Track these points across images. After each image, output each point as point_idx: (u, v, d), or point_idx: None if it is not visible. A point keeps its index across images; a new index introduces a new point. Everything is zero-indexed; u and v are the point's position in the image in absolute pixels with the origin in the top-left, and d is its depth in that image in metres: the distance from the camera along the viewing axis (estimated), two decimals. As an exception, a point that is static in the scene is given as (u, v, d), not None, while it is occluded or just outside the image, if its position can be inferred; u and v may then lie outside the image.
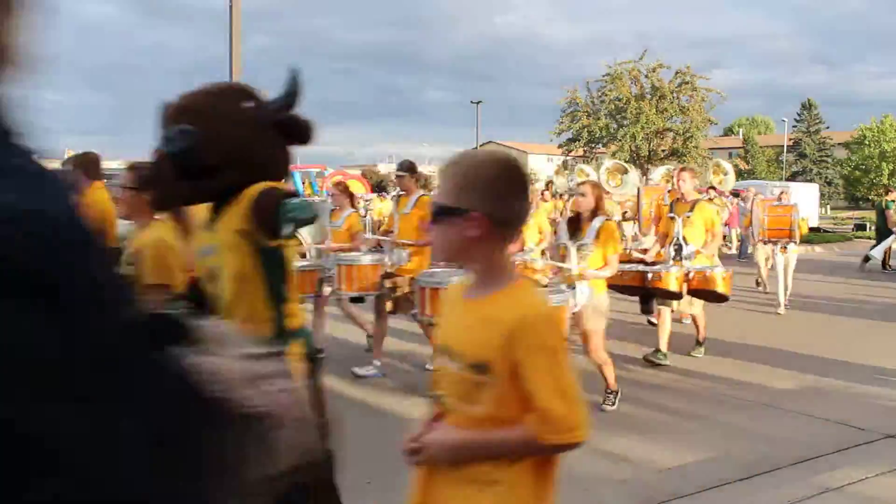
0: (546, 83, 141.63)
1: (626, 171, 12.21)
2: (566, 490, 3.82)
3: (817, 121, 61.27)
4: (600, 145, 28.95)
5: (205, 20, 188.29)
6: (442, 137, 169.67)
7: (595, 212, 5.26)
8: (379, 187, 50.76)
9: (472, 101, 47.06)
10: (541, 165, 62.76)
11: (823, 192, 40.78)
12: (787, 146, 58.43)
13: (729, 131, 66.76)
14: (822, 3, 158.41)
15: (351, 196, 7.13)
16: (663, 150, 27.09)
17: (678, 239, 6.53)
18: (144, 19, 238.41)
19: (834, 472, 3.86)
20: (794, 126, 61.44)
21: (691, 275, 6.36)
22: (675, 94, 27.02)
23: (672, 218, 6.69)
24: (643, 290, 6.44)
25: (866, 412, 5.06)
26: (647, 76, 27.22)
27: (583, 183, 6.05)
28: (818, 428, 4.79)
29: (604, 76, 27.64)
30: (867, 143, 41.69)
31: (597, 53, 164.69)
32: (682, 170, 7.15)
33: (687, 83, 26.98)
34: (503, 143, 73.94)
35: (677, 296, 6.31)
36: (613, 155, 27.14)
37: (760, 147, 64.06)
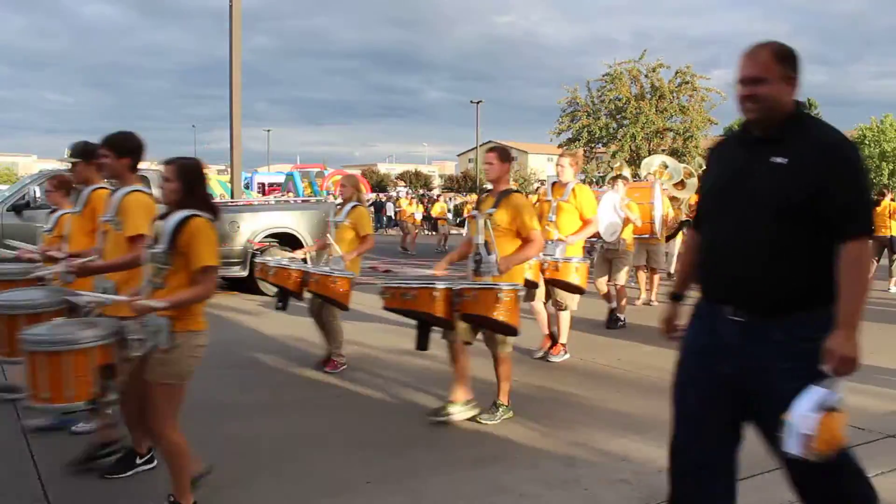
0: (546, 83, 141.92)
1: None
2: (566, 490, 3.85)
3: (817, 121, 61.16)
4: (600, 145, 28.95)
5: (205, 20, 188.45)
6: (442, 137, 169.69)
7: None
8: (379, 187, 50.83)
9: (472, 101, 47.08)
10: (541, 165, 62.78)
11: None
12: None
13: (729, 131, 66.78)
14: (821, 3, 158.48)
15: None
16: (663, 150, 27.07)
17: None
18: (144, 19, 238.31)
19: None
20: (794, 126, 61.31)
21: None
22: (674, 94, 27.03)
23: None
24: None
25: (866, 412, 5.06)
26: (646, 76, 27.23)
27: (562, 155, 6.71)
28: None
29: (604, 76, 27.65)
30: (867, 143, 41.64)
31: (597, 53, 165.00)
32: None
33: (687, 83, 26.99)
34: (503, 142, 73.93)
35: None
36: (614, 155, 27.16)
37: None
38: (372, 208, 33.29)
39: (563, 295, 6.45)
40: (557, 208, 6.47)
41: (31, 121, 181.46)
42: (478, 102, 46.86)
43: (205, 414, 5.10)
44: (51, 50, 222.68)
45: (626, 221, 8.52)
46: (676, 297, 2.90)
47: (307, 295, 6.19)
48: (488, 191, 5.18)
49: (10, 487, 3.78)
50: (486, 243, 4.78)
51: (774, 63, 2.45)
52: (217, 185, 27.11)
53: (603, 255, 8.68)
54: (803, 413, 2.24)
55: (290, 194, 23.38)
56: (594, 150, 29.42)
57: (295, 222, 11.38)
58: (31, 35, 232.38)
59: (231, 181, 16.57)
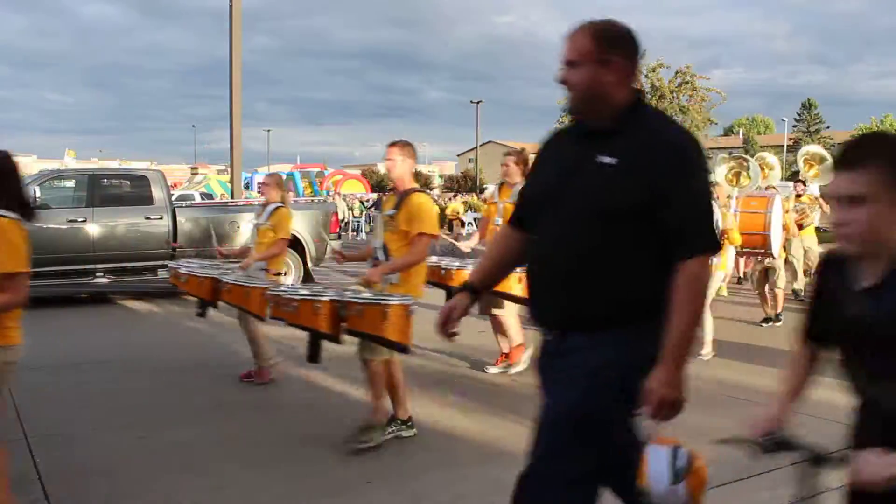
0: (546, 83, 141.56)
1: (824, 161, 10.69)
2: (566, 490, 3.83)
3: (817, 121, 61.36)
4: (600, 145, 28.99)
5: (205, 20, 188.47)
6: (442, 137, 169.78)
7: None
8: (379, 187, 50.89)
9: (472, 101, 47.18)
10: (541, 165, 62.67)
11: (824, 193, 40.65)
12: (787, 146, 58.43)
13: (729, 131, 66.79)
14: (821, 3, 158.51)
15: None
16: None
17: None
18: (144, 19, 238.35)
19: (834, 473, 3.85)
20: (794, 126, 61.50)
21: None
22: (674, 94, 27.06)
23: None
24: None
25: (866, 412, 5.07)
26: (646, 76, 27.25)
27: (509, 154, 6.17)
28: (818, 428, 4.78)
29: (604, 76, 27.66)
30: (867, 142, 41.64)
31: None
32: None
33: (687, 83, 27.04)
34: (503, 142, 73.96)
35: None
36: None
37: (760, 147, 64.03)
38: (373, 208, 33.36)
39: (501, 305, 5.96)
40: (504, 211, 5.90)
41: (31, 121, 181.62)
42: (478, 102, 46.94)
43: (204, 414, 5.10)
44: (51, 50, 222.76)
45: None
46: (468, 287, 2.45)
47: (221, 303, 5.73)
48: (391, 190, 4.91)
49: (11, 487, 3.77)
50: (385, 247, 4.42)
51: (591, 44, 2.07)
52: (217, 185, 27.17)
53: None
54: (664, 489, 1.97)
55: (291, 194, 23.41)
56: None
57: (295, 222, 11.36)
58: (31, 35, 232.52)
59: (231, 181, 16.60)
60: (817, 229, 10.64)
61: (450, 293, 5.27)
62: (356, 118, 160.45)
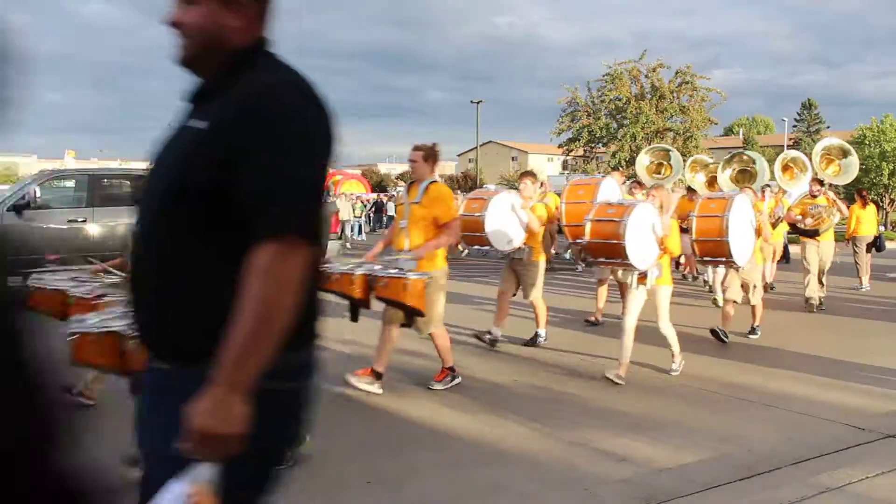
0: (546, 83, 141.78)
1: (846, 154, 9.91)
2: (566, 490, 3.84)
3: (817, 121, 61.27)
4: (600, 145, 28.96)
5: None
6: (442, 137, 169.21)
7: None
8: (379, 187, 50.90)
9: (472, 101, 47.06)
10: (541, 165, 62.75)
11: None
12: (788, 146, 58.42)
13: (729, 131, 66.71)
14: (821, 3, 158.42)
15: None
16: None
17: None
18: (144, 19, 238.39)
19: (834, 472, 3.86)
20: (794, 126, 61.41)
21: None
22: (674, 94, 27.02)
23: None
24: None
25: (866, 412, 5.06)
26: (647, 76, 27.22)
27: (416, 149, 5.68)
28: (818, 428, 4.79)
29: (604, 76, 27.63)
30: (867, 142, 41.58)
31: (597, 53, 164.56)
32: (415, 148, 5.70)
33: (687, 83, 26.98)
34: (503, 142, 73.98)
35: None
36: (613, 155, 27.16)
37: (760, 147, 63.91)
38: (373, 208, 33.37)
39: (416, 320, 5.46)
40: (410, 212, 5.57)
41: (31, 121, 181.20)
42: (478, 102, 46.86)
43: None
44: (51, 50, 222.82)
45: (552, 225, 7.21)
46: None
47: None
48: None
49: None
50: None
51: None
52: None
53: (508, 265, 7.34)
54: None
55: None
56: (594, 150, 29.42)
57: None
58: (31, 35, 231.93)
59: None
60: (816, 230, 10.03)
61: (353, 305, 5.10)
62: (356, 118, 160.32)
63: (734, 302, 7.57)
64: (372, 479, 3.91)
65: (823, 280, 9.91)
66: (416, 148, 5.69)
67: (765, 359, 6.75)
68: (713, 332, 7.46)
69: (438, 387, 5.67)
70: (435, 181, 5.70)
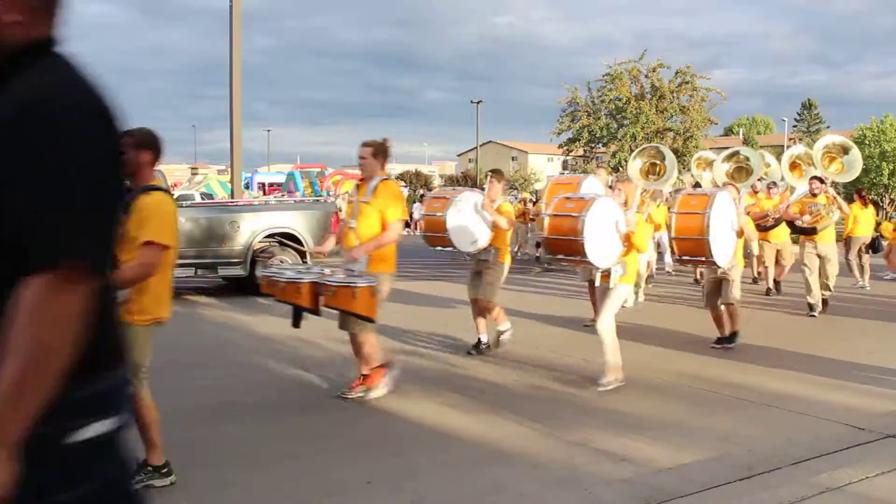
0: (546, 83, 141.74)
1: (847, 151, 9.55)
2: (566, 490, 3.84)
3: (817, 120, 61.35)
4: (600, 145, 28.97)
5: (205, 20, 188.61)
6: (442, 137, 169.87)
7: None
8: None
9: (472, 101, 47.13)
10: (541, 165, 62.77)
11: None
12: (788, 146, 58.41)
13: (729, 131, 66.73)
14: (821, 3, 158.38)
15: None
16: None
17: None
18: (144, 19, 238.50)
19: (834, 472, 3.87)
20: (794, 126, 61.45)
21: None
22: (674, 94, 27.04)
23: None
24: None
25: (866, 412, 5.06)
26: (647, 76, 27.23)
27: (365, 145, 5.48)
28: (818, 428, 4.79)
29: (604, 76, 27.65)
30: (867, 142, 41.59)
31: (597, 53, 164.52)
32: (364, 145, 5.51)
33: (687, 83, 26.99)
34: (503, 142, 73.97)
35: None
36: (613, 155, 27.17)
37: (761, 147, 64.02)
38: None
39: (353, 322, 5.29)
40: (359, 211, 5.42)
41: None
42: (478, 102, 46.92)
43: (205, 414, 5.10)
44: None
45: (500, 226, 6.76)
46: None
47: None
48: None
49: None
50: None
51: None
52: (217, 185, 27.17)
53: (474, 267, 7.07)
54: None
55: (297, 194, 23.42)
56: (594, 150, 29.44)
57: (295, 222, 11.39)
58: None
59: (231, 181, 16.59)
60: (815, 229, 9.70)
61: (297, 312, 5.20)
62: (356, 118, 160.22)
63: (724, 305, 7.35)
64: (372, 480, 3.91)
65: (830, 284, 9.47)
66: (365, 144, 5.49)
67: (765, 359, 6.75)
68: (718, 341, 7.31)
69: (379, 392, 5.38)
70: (385, 179, 5.53)
